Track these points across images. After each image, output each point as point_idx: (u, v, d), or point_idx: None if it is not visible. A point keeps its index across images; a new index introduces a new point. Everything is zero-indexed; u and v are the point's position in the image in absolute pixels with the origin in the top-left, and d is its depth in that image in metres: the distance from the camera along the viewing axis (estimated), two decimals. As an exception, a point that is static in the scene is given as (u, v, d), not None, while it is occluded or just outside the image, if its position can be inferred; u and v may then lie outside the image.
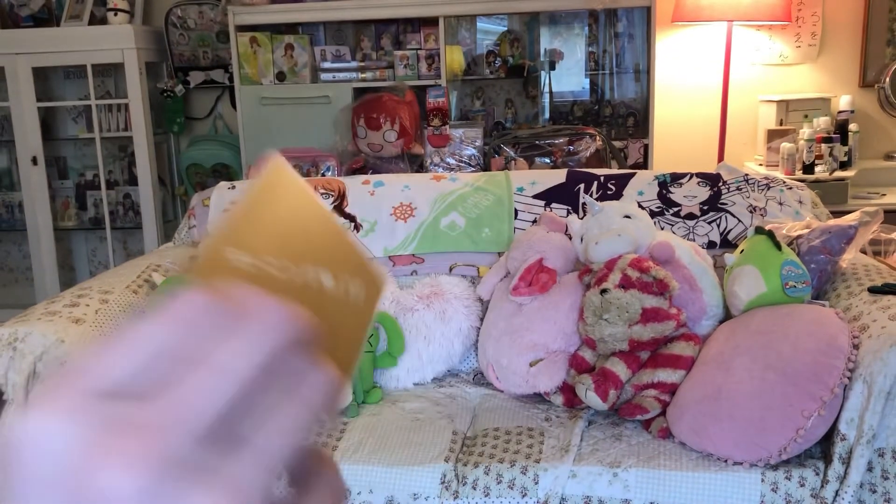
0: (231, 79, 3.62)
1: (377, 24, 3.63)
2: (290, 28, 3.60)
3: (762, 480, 1.71)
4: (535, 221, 2.44)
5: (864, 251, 2.31)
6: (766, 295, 1.99)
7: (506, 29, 3.68)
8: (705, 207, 2.45)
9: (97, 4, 3.65)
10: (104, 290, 2.13)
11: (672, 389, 1.96)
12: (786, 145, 3.33)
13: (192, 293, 0.26)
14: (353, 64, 3.53)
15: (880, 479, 1.68)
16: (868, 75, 3.59)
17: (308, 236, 0.30)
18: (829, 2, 3.56)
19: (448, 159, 3.34)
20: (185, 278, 0.29)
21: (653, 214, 2.40)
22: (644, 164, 3.44)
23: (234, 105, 3.71)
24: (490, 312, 2.30)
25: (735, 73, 3.49)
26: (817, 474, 1.71)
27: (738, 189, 2.48)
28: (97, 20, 3.65)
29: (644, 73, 3.54)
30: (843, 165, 3.35)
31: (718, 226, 2.42)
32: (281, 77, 3.52)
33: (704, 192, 2.48)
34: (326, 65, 3.52)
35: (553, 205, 2.50)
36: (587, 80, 3.73)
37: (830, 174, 3.30)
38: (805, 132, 3.32)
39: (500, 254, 2.44)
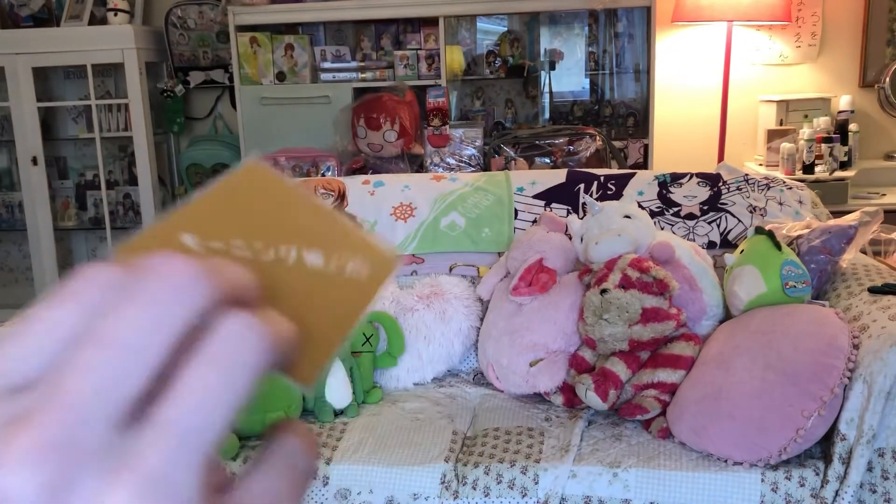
0: (231, 79, 3.62)
1: (377, 24, 3.62)
2: (290, 28, 3.60)
3: (762, 480, 1.71)
4: (535, 221, 2.44)
5: (864, 251, 2.31)
6: (766, 295, 1.99)
7: (506, 29, 3.68)
8: (705, 207, 2.45)
9: (97, 4, 3.65)
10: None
11: (672, 389, 1.96)
12: (786, 145, 3.32)
13: (90, 268, 0.24)
14: (353, 64, 3.52)
15: (880, 479, 1.68)
16: (868, 75, 3.59)
17: (287, 220, 0.29)
18: (829, 2, 3.56)
19: (448, 159, 3.34)
20: (113, 257, 0.27)
21: (653, 214, 2.40)
22: (644, 164, 3.44)
23: (234, 105, 3.71)
24: (490, 312, 2.30)
25: (735, 73, 3.48)
26: (817, 474, 1.71)
27: (738, 189, 2.48)
28: (97, 20, 3.65)
29: (644, 73, 3.54)
30: (843, 165, 3.35)
31: (718, 226, 2.42)
32: (281, 77, 3.51)
33: (704, 193, 2.48)
34: (326, 65, 3.52)
35: (553, 205, 2.50)
36: (587, 80, 3.73)
37: (830, 174, 3.30)
38: (805, 132, 3.32)
39: (500, 254, 2.44)
